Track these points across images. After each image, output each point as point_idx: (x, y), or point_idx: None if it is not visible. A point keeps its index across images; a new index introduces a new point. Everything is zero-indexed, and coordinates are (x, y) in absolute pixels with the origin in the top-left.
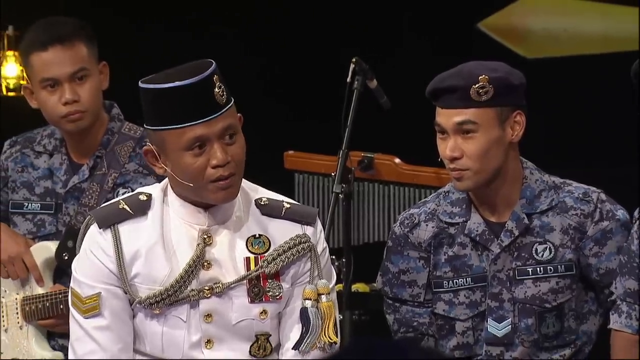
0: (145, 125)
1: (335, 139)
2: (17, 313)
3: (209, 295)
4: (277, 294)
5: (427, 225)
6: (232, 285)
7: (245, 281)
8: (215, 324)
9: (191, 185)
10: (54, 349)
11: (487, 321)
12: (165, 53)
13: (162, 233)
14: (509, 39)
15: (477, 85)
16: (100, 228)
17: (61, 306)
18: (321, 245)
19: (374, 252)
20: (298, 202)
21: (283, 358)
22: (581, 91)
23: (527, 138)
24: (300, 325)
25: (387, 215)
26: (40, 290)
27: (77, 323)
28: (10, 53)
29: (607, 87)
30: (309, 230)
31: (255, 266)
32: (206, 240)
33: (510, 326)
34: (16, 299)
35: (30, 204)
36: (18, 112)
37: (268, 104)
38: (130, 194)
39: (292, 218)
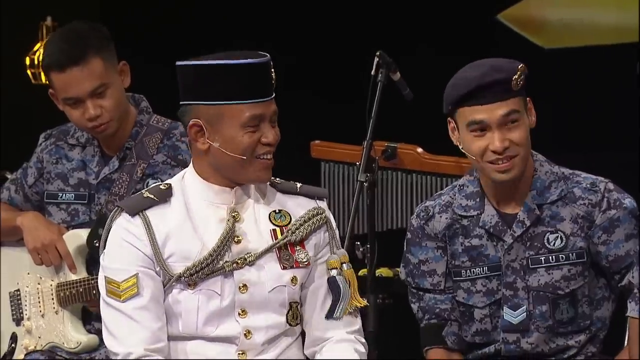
0: (192, 101)
1: (360, 129)
2: (53, 299)
3: (242, 265)
4: (305, 260)
5: (441, 216)
6: (263, 255)
7: (275, 250)
8: (250, 294)
9: (243, 158)
10: (89, 332)
11: (502, 309)
12: (193, 40)
13: (187, 215)
14: (527, 30)
15: (516, 76)
16: (130, 216)
17: (94, 291)
18: (333, 222)
19: (397, 238)
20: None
21: (313, 330)
22: (597, 80)
23: (542, 125)
24: (330, 297)
25: (410, 203)
26: (73, 277)
27: (115, 309)
28: None
29: (623, 76)
30: (322, 203)
31: (281, 236)
32: (235, 216)
33: (525, 313)
34: (51, 285)
35: (64, 194)
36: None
37: (296, 96)
38: (151, 185)
39: (306, 194)
